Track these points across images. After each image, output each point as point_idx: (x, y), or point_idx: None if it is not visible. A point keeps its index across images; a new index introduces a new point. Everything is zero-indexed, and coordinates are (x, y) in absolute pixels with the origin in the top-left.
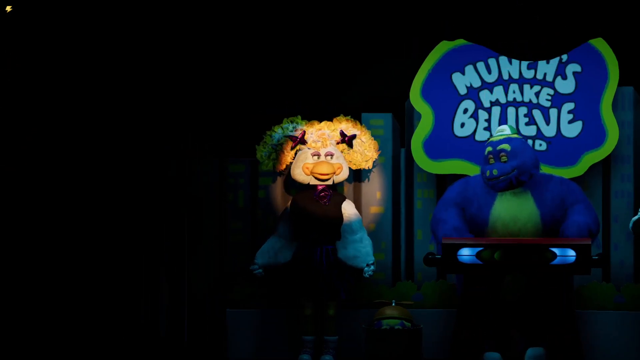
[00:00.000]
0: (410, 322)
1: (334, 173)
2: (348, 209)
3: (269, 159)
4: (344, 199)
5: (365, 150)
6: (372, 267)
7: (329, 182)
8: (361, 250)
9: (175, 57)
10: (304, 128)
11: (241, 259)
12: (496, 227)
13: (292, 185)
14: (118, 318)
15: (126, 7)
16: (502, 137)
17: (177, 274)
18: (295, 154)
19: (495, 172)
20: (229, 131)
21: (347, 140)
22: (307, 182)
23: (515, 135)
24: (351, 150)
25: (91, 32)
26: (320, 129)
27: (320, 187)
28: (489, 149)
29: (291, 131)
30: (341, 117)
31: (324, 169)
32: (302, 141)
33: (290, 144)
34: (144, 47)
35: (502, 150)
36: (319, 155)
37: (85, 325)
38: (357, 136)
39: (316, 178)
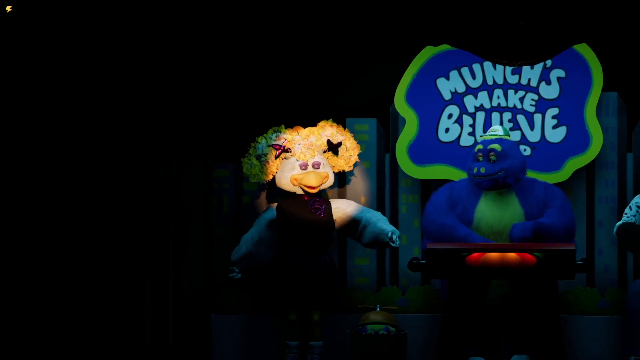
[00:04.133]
0: (395, 327)
1: (322, 183)
2: (341, 205)
3: (255, 171)
4: (329, 202)
5: (350, 155)
6: (394, 239)
7: (316, 191)
8: (374, 231)
9: (161, 63)
10: (288, 136)
11: (226, 264)
12: (480, 226)
13: (276, 192)
14: (103, 323)
15: (115, 12)
16: (494, 137)
17: (161, 279)
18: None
19: (482, 170)
20: (214, 136)
21: (334, 149)
22: (293, 191)
23: (507, 137)
24: (337, 157)
25: (80, 36)
26: (306, 137)
27: (312, 199)
28: (479, 146)
29: (274, 140)
30: (324, 122)
31: (312, 182)
32: (287, 150)
33: (274, 152)
34: (130, 53)
35: (492, 150)
36: (306, 165)
37: (69, 330)
38: (342, 143)
39: (304, 190)
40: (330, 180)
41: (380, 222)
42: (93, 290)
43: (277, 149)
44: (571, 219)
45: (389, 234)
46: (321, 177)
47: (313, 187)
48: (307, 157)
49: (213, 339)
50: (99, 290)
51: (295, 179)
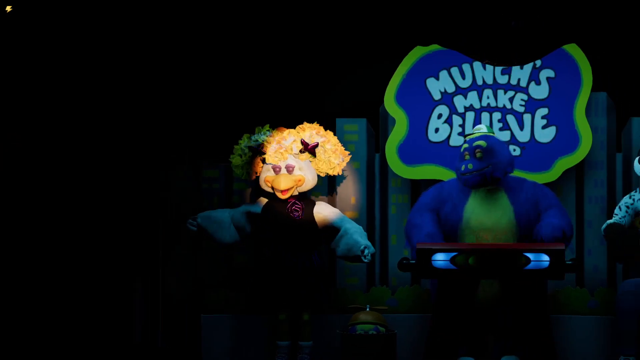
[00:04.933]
0: (385, 327)
1: (295, 186)
2: (323, 211)
3: (240, 167)
4: (314, 204)
5: (331, 158)
6: (366, 253)
7: (295, 193)
8: (349, 242)
9: (151, 64)
10: (271, 137)
11: (216, 264)
12: (470, 222)
13: (263, 192)
14: (92, 323)
15: (110, 15)
16: (479, 135)
17: (151, 279)
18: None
19: (470, 166)
20: (203, 136)
21: (309, 150)
22: (273, 192)
23: (492, 134)
24: (315, 158)
25: (75, 37)
26: (280, 141)
27: (292, 201)
28: (465, 145)
29: (254, 142)
30: (305, 125)
31: (281, 185)
32: (262, 152)
33: (253, 154)
34: (122, 55)
35: (478, 146)
36: (279, 168)
37: (58, 330)
38: (320, 144)
39: (275, 193)
40: (308, 184)
41: (357, 234)
42: (83, 291)
43: (253, 152)
44: (569, 218)
45: (362, 247)
46: (293, 181)
47: (283, 191)
48: (278, 160)
49: (203, 339)
50: (89, 290)
51: (268, 181)
